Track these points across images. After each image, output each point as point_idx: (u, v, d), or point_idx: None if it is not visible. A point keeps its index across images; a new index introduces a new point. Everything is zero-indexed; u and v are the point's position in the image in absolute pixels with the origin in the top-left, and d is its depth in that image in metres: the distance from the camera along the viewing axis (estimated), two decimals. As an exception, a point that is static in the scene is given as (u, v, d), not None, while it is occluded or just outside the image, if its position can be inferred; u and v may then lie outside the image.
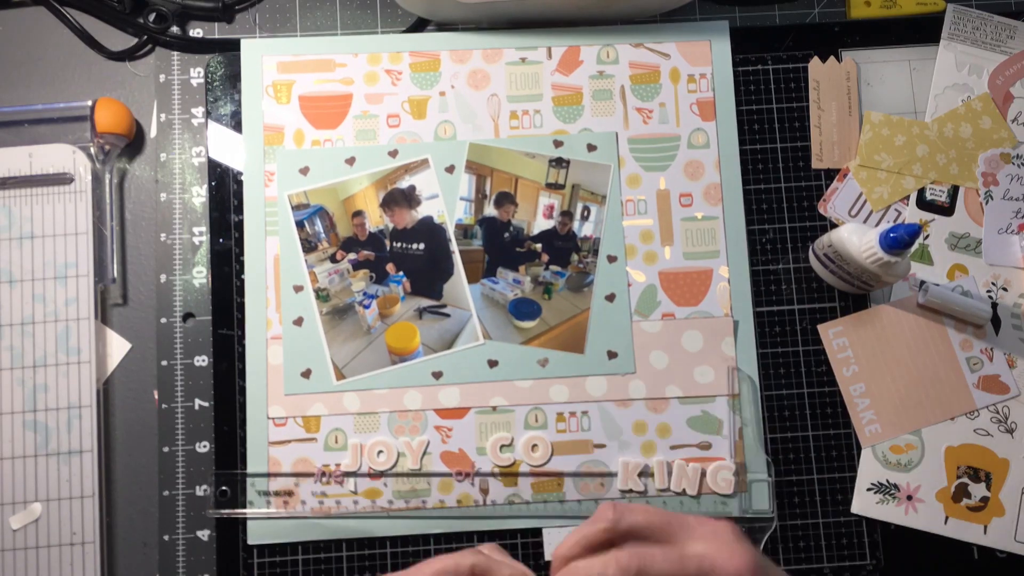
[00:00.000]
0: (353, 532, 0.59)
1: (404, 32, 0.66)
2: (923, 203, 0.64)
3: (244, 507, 0.59)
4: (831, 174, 0.65)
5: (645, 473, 0.60)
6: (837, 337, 0.63)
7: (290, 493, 0.59)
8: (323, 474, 0.60)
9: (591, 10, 0.64)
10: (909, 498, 0.61)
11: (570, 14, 0.64)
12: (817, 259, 0.60)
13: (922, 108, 0.65)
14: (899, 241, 0.52)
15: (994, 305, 0.63)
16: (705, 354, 0.62)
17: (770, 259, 0.64)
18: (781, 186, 0.64)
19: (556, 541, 0.60)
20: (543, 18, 0.65)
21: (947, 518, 0.60)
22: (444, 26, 0.66)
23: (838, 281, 0.62)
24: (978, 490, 0.61)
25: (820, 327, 0.63)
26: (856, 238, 0.55)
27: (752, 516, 0.60)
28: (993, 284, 0.63)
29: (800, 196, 0.64)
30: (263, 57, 0.64)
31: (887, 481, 0.61)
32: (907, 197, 0.64)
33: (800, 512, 0.61)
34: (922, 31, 0.66)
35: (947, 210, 0.64)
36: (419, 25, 0.66)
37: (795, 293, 0.63)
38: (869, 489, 0.61)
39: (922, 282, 0.63)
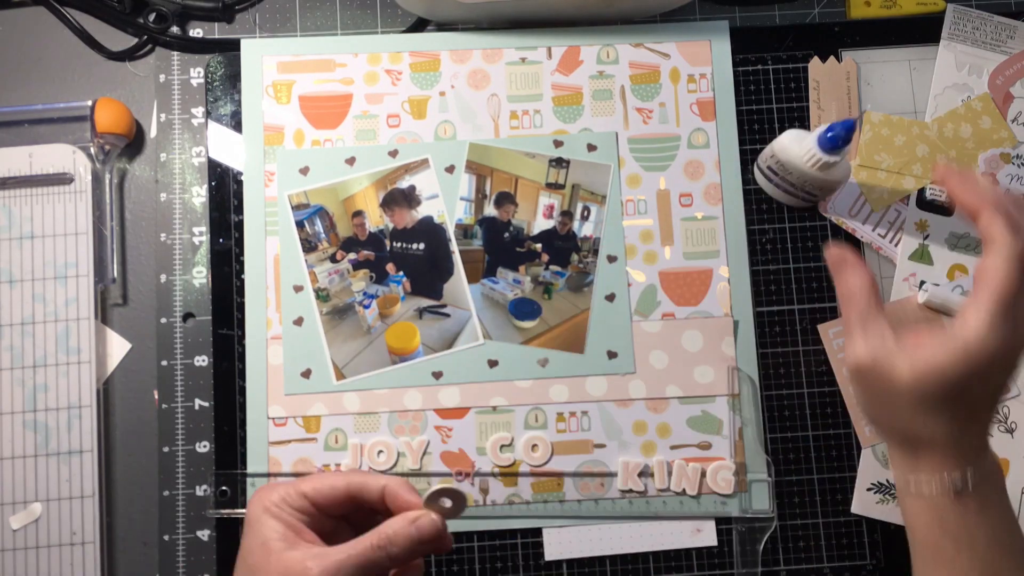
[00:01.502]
0: (353, 532, 0.59)
1: (404, 32, 0.66)
2: (923, 203, 0.64)
3: (244, 507, 0.59)
4: (831, 174, 0.65)
5: (645, 473, 0.60)
6: (837, 337, 0.63)
7: (290, 493, 0.59)
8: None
9: (591, 10, 0.64)
10: (909, 498, 0.61)
11: (570, 14, 0.64)
12: (762, 173, 0.62)
13: (922, 108, 0.65)
14: (837, 138, 0.56)
15: (994, 305, 0.63)
16: (705, 354, 0.62)
17: (770, 259, 0.64)
18: (781, 186, 0.64)
19: (556, 541, 0.60)
20: (543, 18, 0.65)
21: (947, 518, 0.60)
22: (444, 26, 0.66)
23: (783, 195, 0.62)
24: (978, 490, 0.61)
25: (820, 327, 0.63)
26: (796, 144, 0.58)
27: (752, 516, 0.60)
28: (993, 284, 0.63)
29: (800, 196, 0.64)
30: (263, 57, 0.64)
31: (887, 481, 0.61)
32: (907, 197, 0.64)
33: (800, 512, 0.61)
34: (922, 31, 0.66)
35: (947, 210, 0.64)
36: (419, 25, 0.66)
37: (795, 293, 0.63)
38: (869, 489, 0.61)
39: (922, 282, 0.63)
